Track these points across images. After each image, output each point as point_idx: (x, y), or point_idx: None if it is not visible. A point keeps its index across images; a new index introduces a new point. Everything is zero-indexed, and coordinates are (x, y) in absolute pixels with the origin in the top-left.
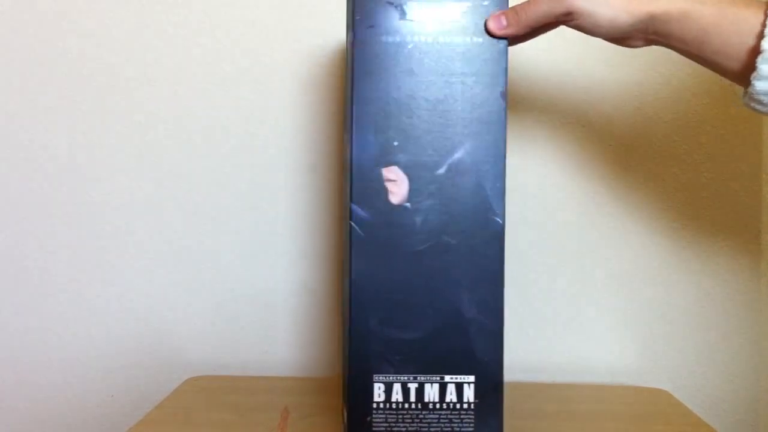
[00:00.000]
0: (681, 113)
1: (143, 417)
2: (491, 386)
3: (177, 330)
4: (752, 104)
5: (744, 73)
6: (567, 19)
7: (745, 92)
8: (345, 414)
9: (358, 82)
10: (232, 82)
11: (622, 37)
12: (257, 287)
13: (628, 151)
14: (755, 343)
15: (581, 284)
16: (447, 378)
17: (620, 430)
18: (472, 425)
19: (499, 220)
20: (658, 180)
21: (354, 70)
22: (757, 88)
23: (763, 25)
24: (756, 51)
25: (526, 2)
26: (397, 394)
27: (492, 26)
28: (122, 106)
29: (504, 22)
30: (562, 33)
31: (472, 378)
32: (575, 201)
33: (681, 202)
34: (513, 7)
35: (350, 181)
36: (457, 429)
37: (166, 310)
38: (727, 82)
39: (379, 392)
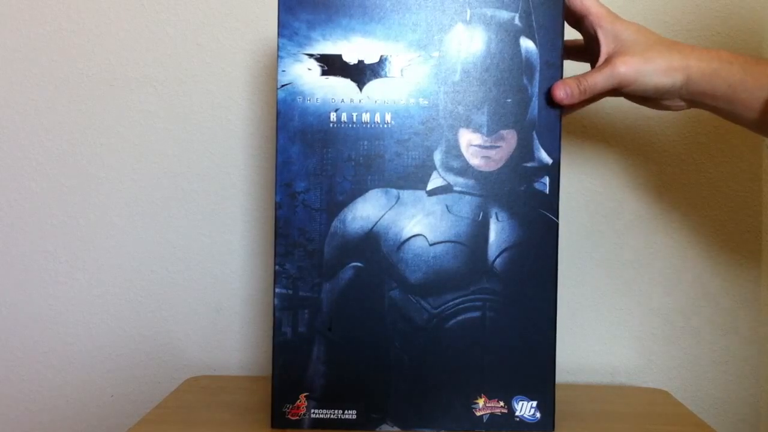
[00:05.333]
0: (681, 113)
1: (143, 417)
2: None
3: (177, 330)
4: None
5: (764, 122)
6: (619, 87)
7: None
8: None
9: None
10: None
11: (662, 98)
12: (257, 287)
13: (627, 152)
14: (755, 343)
15: (581, 285)
16: None
17: (620, 430)
18: None
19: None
20: (658, 180)
21: None
22: None
23: None
24: None
25: (585, 73)
26: None
27: (560, 95)
28: (120, 107)
29: (569, 91)
30: (567, 33)
31: None
32: (574, 202)
33: (681, 202)
34: (574, 78)
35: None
36: None
37: (166, 310)
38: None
39: None
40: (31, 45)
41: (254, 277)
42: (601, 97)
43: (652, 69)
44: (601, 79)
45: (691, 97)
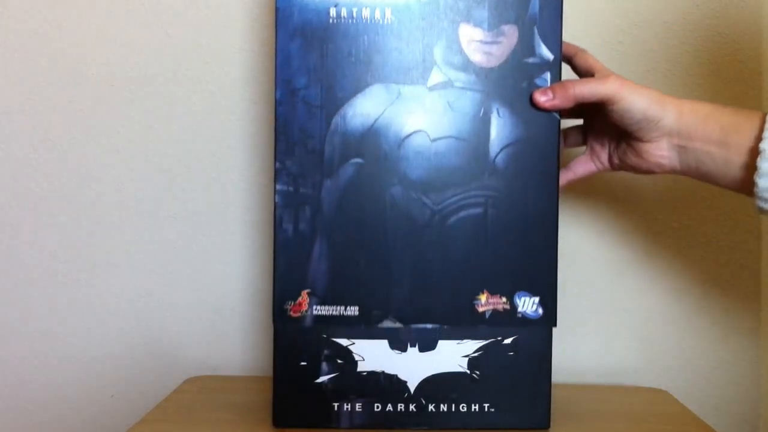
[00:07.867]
0: None
1: (143, 417)
2: None
3: (177, 330)
4: (760, 204)
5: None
6: (607, 101)
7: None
8: None
9: None
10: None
11: (649, 132)
12: (257, 287)
13: None
14: (755, 343)
15: (581, 284)
16: None
17: (620, 430)
18: None
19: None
20: (657, 179)
21: None
22: (761, 186)
23: (761, 129)
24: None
25: (574, 79)
26: None
27: (539, 99)
28: (120, 107)
29: (551, 95)
30: (569, 36)
31: None
32: (574, 201)
33: (681, 202)
34: (561, 82)
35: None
36: None
37: (166, 310)
38: (731, 80)
39: None
40: (31, 45)
41: (254, 277)
42: (580, 117)
43: (643, 93)
44: (590, 86)
45: (680, 142)
